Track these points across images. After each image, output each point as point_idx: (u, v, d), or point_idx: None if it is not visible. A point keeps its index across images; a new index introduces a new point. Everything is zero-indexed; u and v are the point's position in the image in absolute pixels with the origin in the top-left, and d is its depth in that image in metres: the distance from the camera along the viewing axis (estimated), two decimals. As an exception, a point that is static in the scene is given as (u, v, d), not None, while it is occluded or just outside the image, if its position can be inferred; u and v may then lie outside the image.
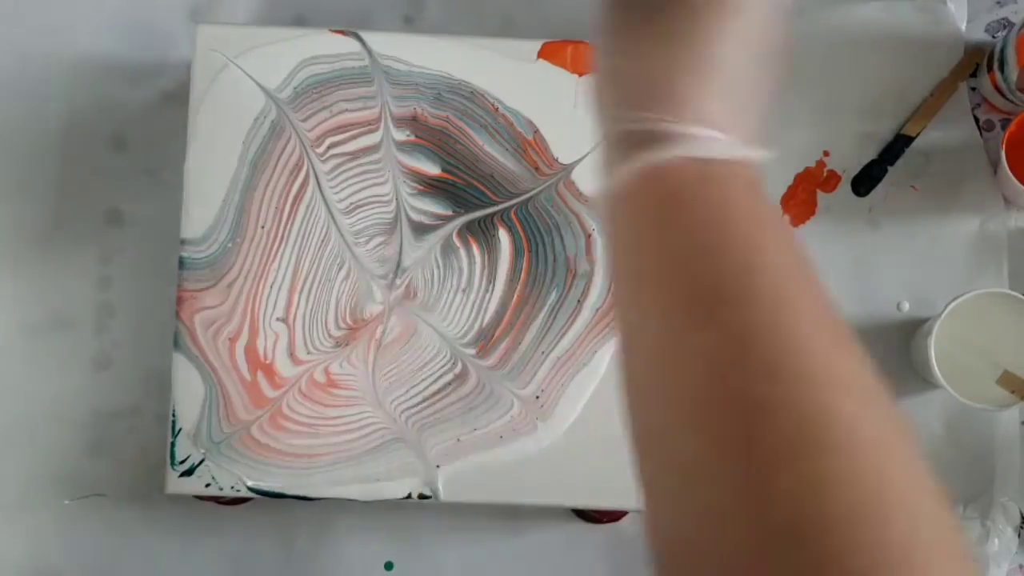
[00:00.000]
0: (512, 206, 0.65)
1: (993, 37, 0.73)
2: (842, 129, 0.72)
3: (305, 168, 0.65)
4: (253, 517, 0.70)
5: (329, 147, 0.65)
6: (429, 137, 0.65)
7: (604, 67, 0.44)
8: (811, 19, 0.72)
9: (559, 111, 0.65)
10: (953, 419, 0.70)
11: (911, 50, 0.72)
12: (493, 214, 0.65)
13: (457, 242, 0.65)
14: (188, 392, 0.64)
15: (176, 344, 0.64)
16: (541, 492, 0.64)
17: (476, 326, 0.65)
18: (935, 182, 0.72)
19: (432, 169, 0.65)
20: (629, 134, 0.43)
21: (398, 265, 0.65)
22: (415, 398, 0.64)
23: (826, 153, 0.72)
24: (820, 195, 0.72)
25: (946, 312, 0.64)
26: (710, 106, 0.41)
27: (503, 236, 0.65)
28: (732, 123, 0.41)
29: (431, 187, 0.65)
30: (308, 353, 0.64)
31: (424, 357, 0.64)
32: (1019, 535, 0.69)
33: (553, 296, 0.65)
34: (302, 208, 0.65)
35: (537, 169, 0.65)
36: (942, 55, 0.72)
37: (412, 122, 0.65)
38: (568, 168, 0.65)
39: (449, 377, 0.64)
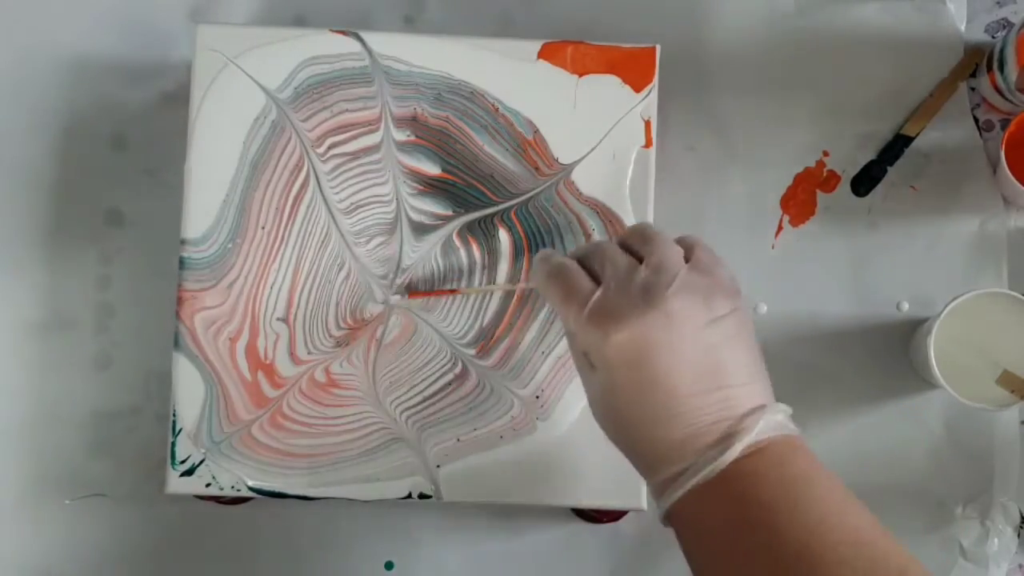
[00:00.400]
0: (512, 206, 0.65)
1: (993, 37, 0.73)
2: (842, 129, 0.72)
3: (305, 168, 0.65)
4: (253, 517, 0.70)
5: (329, 147, 0.65)
6: (429, 137, 0.65)
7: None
8: (811, 19, 0.72)
9: (559, 111, 0.65)
10: (953, 419, 0.70)
11: (911, 50, 0.72)
12: (493, 214, 0.65)
13: (457, 242, 0.65)
14: (188, 392, 0.64)
15: (176, 344, 0.64)
16: (541, 492, 0.64)
17: (476, 326, 0.65)
18: (935, 182, 0.72)
19: (432, 169, 0.65)
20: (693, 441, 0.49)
21: (398, 265, 0.65)
22: (415, 398, 0.64)
23: (826, 153, 0.72)
24: (820, 195, 0.72)
25: (946, 312, 0.64)
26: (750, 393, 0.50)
27: (503, 236, 0.65)
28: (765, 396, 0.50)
29: (431, 187, 0.65)
30: (308, 353, 0.64)
31: (424, 357, 0.64)
32: (1019, 535, 0.69)
33: (553, 296, 0.65)
34: (302, 208, 0.65)
35: (537, 169, 0.65)
36: (942, 55, 0.72)
37: (412, 122, 0.65)
38: (568, 168, 0.65)
39: (449, 377, 0.64)
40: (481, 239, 0.65)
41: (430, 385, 0.64)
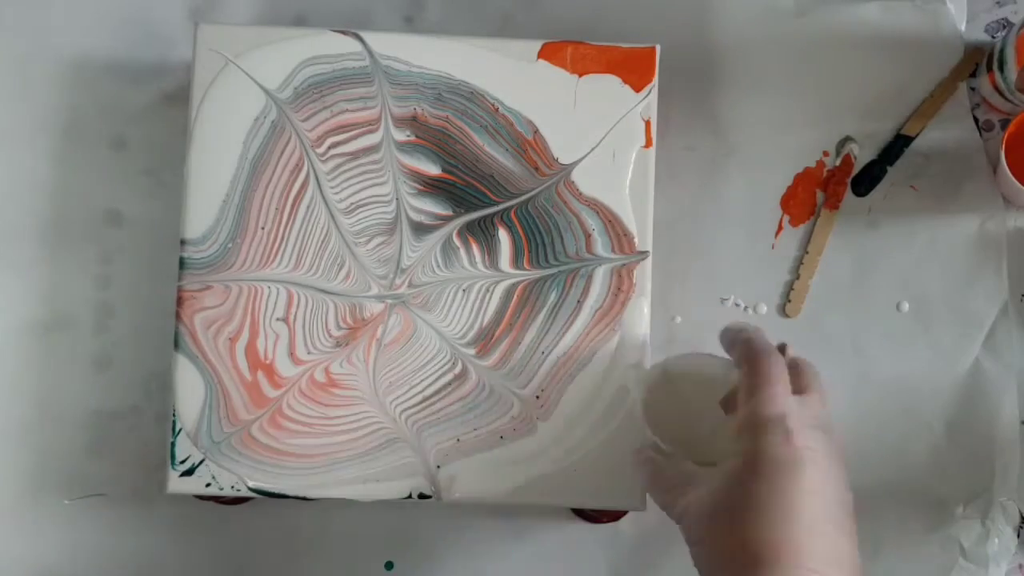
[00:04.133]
0: (512, 206, 0.65)
1: (993, 37, 0.73)
2: (842, 129, 0.72)
3: (305, 168, 0.65)
4: (253, 517, 0.70)
5: (329, 147, 0.65)
6: (429, 137, 0.65)
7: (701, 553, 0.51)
8: (811, 19, 0.72)
9: (559, 111, 0.65)
10: (953, 419, 0.70)
11: (911, 50, 0.72)
12: (493, 214, 0.65)
13: (457, 242, 0.65)
14: (188, 392, 0.64)
15: (176, 344, 0.64)
16: (541, 492, 0.64)
17: (476, 326, 0.65)
18: (935, 182, 0.72)
19: (432, 169, 0.65)
20: None
21: (398, 265, 0.65)
22: (415, 398, 0.64)
23: (826, 153, 0.72)
24: (820, 195, 0.72)
25: None
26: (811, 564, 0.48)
27: (503, 236, 0.65)
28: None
29: (431, 187, 0.65)
30: (308, 353, 0.64)
31: (424, 357, 0.64)
32: (1019, 535, 0.69)
33: (553, 296, 0.65)
34: (302, 208, 0.65)
35: (537, 169, 0.65)
36: (942, 55, 0.72)
37: (412, 122, 0.65)
38: (568, 168, 0.65)
39: (449, 377, 0.64)
40: (481, 239, 0.65)
41: (430, 385, 0.64)
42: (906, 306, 0.71)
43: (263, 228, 0.65)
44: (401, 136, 0.65)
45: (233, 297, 0.64)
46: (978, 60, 0.72)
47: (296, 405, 0.64)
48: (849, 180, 0.72)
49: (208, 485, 0.63)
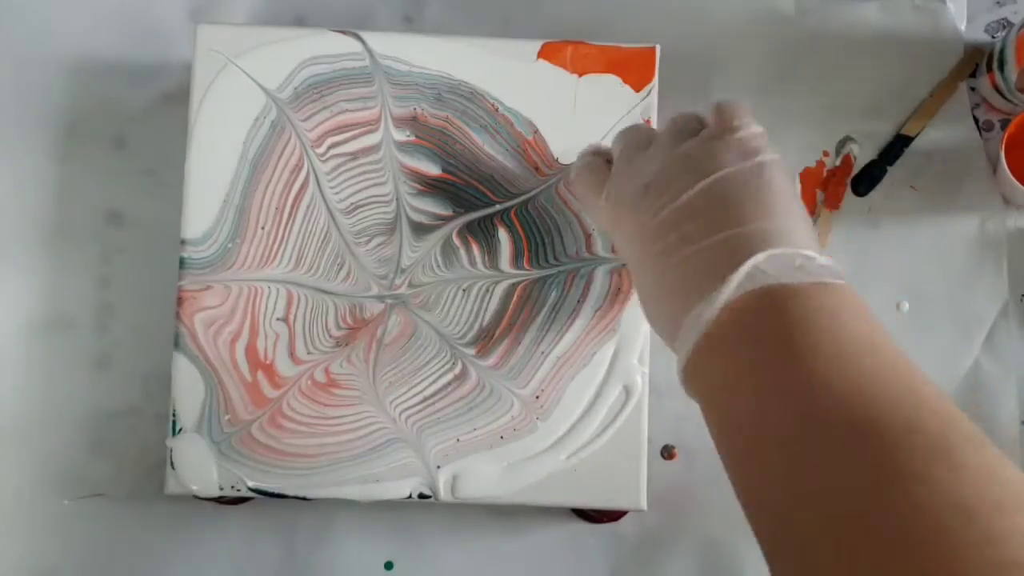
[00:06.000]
0: (512, 206, 0.65)
1: (993, 37, 0.73)
2: (842, 129, 0.72)
3: (305, 168, 0.65)
4: (253, 517, 0.70)
5: (329, 147, 0.65)
6: (429, 137, 0.65)
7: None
8: (811, 19, 0.72)
9: (559, 111, 0.65)
10: (953, 419, 0.70)
11: (911, 50, 0.72)
12: (493, 214, 0.65)
13: (457, 242, 0.65)
14: (188, 392, 0.64)
15: (176, 344, 0.64)
16: (541, 492, 0.64)
17: (476, 326, 0.65)
18: (935, 182, 0.72)
19: (432, 169, 0.65)
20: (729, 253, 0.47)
21: (398, 265, 0.65)
22: (415, 398, 0.64)
23: (826, 153, 0.72)
24: (820, 195, 0.72)
25: None
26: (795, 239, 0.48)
27: (503, 236, 0.65)
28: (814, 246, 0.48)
29: (431, 187, 0.65)
30: (308, 353, 0.64)
31: (424, 357, 0.64)
32: (1019, 535, 0.69)
33: (553, 296, 0.65)
34: (302, 208, 0.65)
35: (537, 169, 0.65)
36: (942, 55, 0.72)
37: (412, 122, 0.65)
38: (568, 168, 0.65)
39: (449, 377, 0.64)
40: (481, 239, 0.65)
41: (430, 385, 0.64)
42: (906, 306, 0.71)
43: (263, 228, 0.65)
44: (401, 136, 0.65)
45: (233, 297, 0.64)
46: (978, 60, 0.72)
47: (296, 405, 0.64)
48: (849, 180, 0.72)
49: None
